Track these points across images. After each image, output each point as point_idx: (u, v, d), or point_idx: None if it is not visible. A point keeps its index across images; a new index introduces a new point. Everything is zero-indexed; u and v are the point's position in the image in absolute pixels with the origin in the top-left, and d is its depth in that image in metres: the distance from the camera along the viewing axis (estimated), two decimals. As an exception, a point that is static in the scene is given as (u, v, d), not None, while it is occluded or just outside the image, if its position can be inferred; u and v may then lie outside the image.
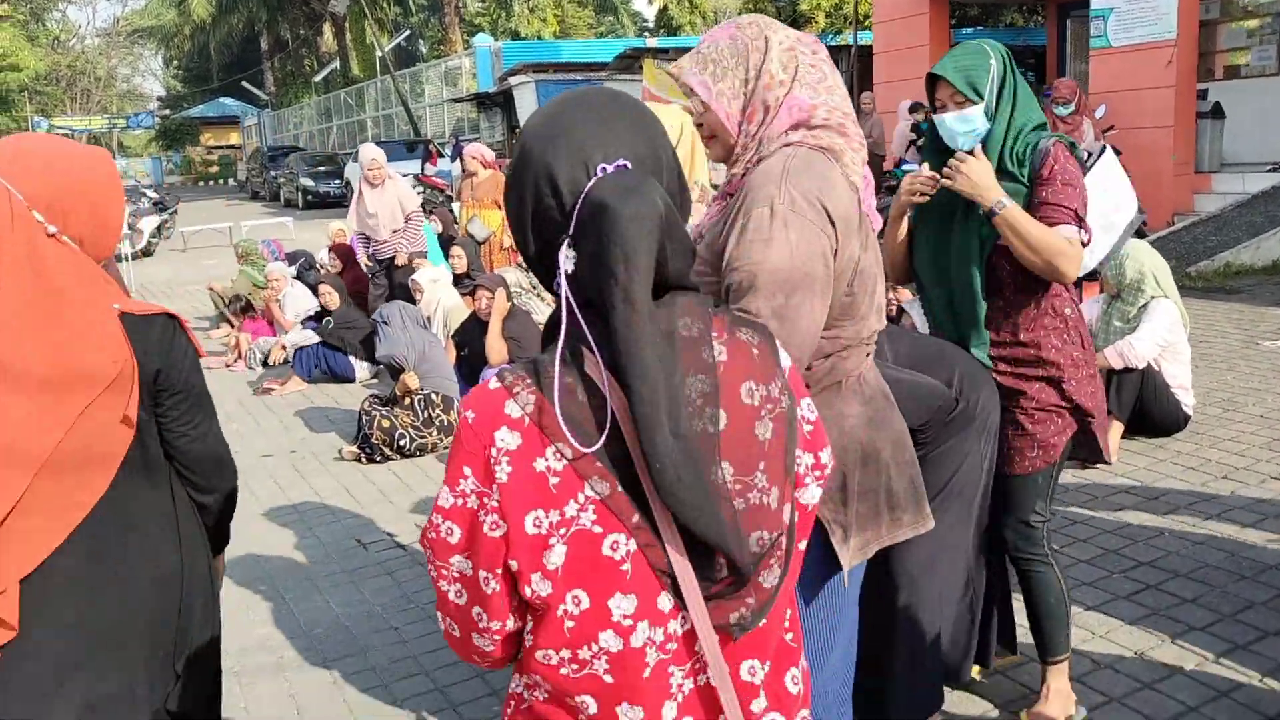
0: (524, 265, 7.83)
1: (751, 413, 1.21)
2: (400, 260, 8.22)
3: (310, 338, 7.96)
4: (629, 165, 1.19)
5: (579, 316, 1.15)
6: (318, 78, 40.03)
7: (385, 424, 5.86)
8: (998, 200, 2.51)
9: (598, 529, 1.14)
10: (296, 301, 9.07)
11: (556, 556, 1.14)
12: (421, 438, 5.93)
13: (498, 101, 23.40)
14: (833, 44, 20.25)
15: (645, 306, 1.11)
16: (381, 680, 3.55)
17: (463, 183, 8.59)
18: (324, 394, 7.70)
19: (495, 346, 6.25)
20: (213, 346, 9.52)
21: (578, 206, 1.16)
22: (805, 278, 1.82)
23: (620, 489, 1.14)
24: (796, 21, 24.79)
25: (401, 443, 5.86)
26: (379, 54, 31.03)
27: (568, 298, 1.15)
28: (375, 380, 7.94)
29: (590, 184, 1.16)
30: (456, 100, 26.74)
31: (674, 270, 1.17)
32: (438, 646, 3.74)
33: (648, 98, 18.20)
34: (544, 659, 1.20)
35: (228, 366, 8.79)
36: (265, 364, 8.71)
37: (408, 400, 6.01)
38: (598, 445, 1.13)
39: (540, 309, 7.07)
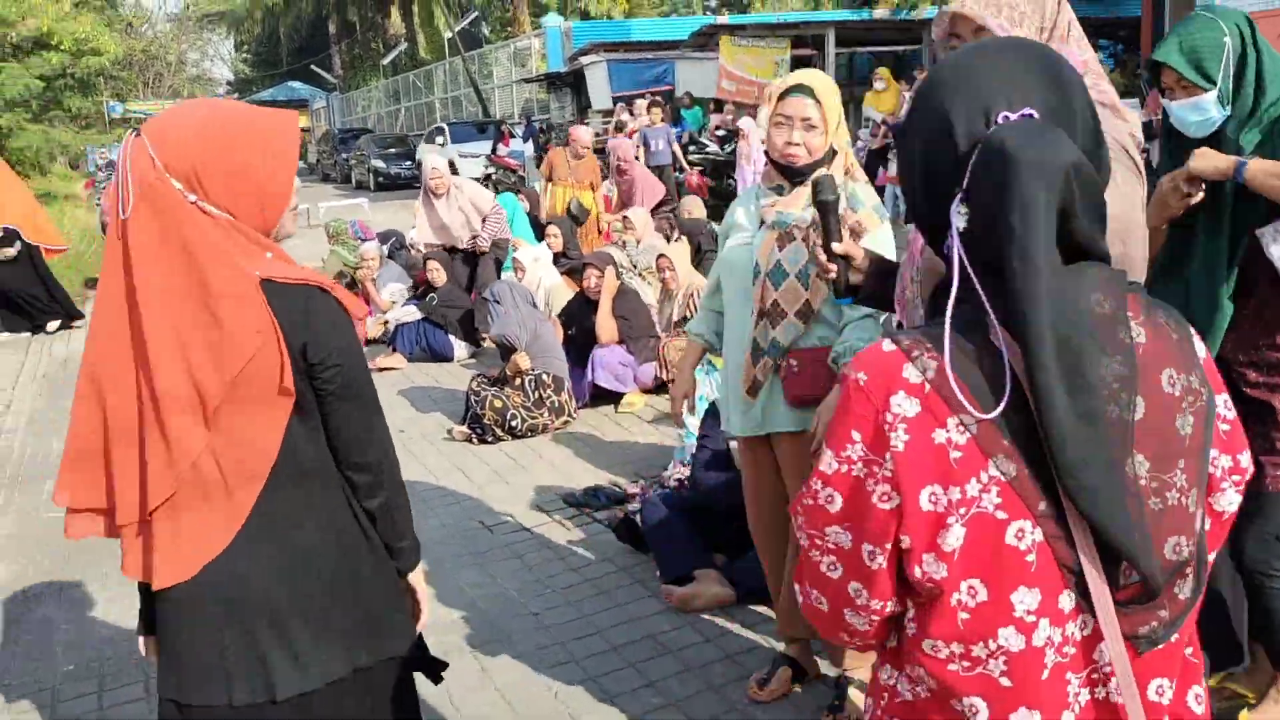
0: (623, 244, 7.74)
1: (1172, 403, 1.08)
2: (482, 248, 8.10)
3: (413, 314, 7.90)
4: (1034, 114, 1.09)
5: (973, 279, 1.05)
6: (385, 60, 40.24)
7: (498, 404, 5.77)
8: (1237, 162, 2.30)
9: (1001, 514, 1.04)
10: (388, 279, 9.05)
11: (954, 538, 1.05)
12: (533, 418, 5.82)
13: (568, 81, 23.28)
14: (909, 19, 19.77)
15: (1045, 265, 1.01)
16: (531, 668, 3.45)
17: (556, 162, 8.48)
18: (423, 373, 7.65)
19: (606, 325, 6.13)
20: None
21: (973, 157, 1.07)
22: (1134, 224, 1.75)
23: (1028, 471, 1.04)
24: (870, -2, 24.35)
25: (513, 423, 5.77)
26: (447, 36, 31.07)
27: (961, 258, 1.07)
28: (474, 360, 7.88)
29: (988, 132, 1.08)
30: (526, 80, 26.68)
31: (1083, 233, 1.05)
32: (584, 633, 3.63)
33: (725, 76, 18.00)
34: (931, 650, 1.10)
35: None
36: (365, 342, 8.70)
37: (518, 380, 5.91)
38: (996, 413, 1.04)
39: (643, 288, 6.93)
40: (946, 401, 1.05)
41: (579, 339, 6.34)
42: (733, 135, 15.35)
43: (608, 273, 6.15)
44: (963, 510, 1.04)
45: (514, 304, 5.97)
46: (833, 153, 2.78)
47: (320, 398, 1.73)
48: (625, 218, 7.73)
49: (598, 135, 19.21)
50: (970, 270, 1.06)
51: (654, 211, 10.21)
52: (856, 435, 1.09)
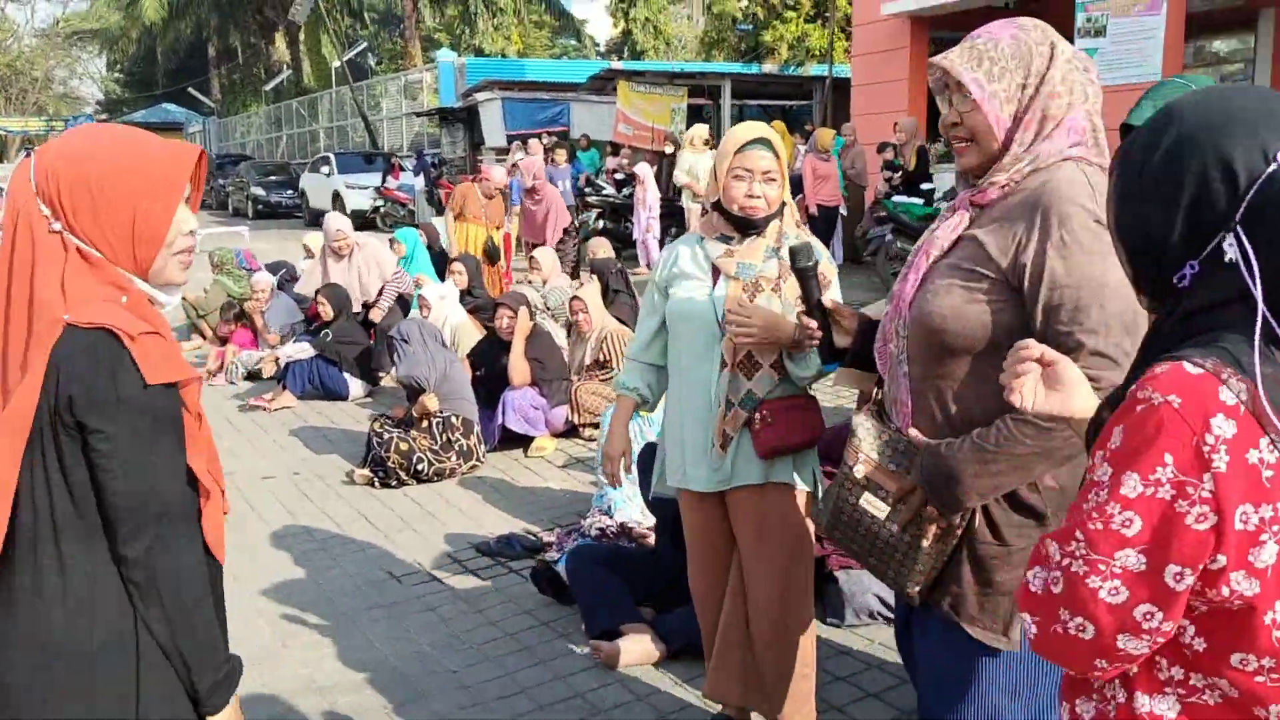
0: (537, 284, 7.58)
1: None
2: (375, 318, 7.80)
3: (306, 350, 7.57)
4: None
5: (1262, 304, 1.13)
6: (268, 86, 39.21)
7: (403, 447, 5.53)
8: None
9: None
10: (278, 314, 8.68)
11: (1268, 555, 1.10)
12: (440, 462, 5.61)
13: (461, 117, 23.10)
14: (798, 75, 20.34)
15: None
16: (455, 732, 3.25)
17: (469, 199, 8.32)
18: (317, 412, 7.33)
19: (518, 367, 5.97)
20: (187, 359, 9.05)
21: (1252, 192, 1.14)
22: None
23: None
24: (758, 52, 24.95)
25: (419, 467, 5.54)
26: (334, 65, 30.47)
27: (1259, 286, 1.13)
28: (369, 399, 7.59)
29: (1273, 169, 1.14)
30: (418, 114, 26.34)
31: None
32: (507, 692, 3.45)
33: (622, 120, 18.12)
34: (1240, 664, 1.15)
35: (207, 381, 8.35)
36: (248, 378, 8.29)
37: (425, 423, 5.69)
38: None
39: (555, 330, 6.81)
40: (1260, 421, 1.10)
41: (489, 380, 6.17)
42: (630, 179, 15.42)
43: (521, 313, 6.00)
44: (1276, 527, 1.10)
45: (423, 343, 5.77)
46: (782, 204, 2.75)
47: (89, 460, 1.49)
48: (532, 258, 7.61)
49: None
50: (1261, 298, 1.12)
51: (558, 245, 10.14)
52: (1169, 458, 1.10)
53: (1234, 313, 1.16)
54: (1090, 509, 1.15)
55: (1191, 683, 1.19)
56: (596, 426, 6.26)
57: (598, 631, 3.69)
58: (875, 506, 1.99)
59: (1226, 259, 1.15)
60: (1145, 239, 1.22)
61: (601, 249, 8.56)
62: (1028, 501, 1.88)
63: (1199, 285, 1.18)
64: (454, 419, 5.69)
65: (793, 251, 2.33)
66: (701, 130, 13.49)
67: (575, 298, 6.44)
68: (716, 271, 2.75)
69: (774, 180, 2.67)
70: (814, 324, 2.22)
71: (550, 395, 6.09)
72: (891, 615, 3.79)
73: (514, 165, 9.83)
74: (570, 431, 6.30)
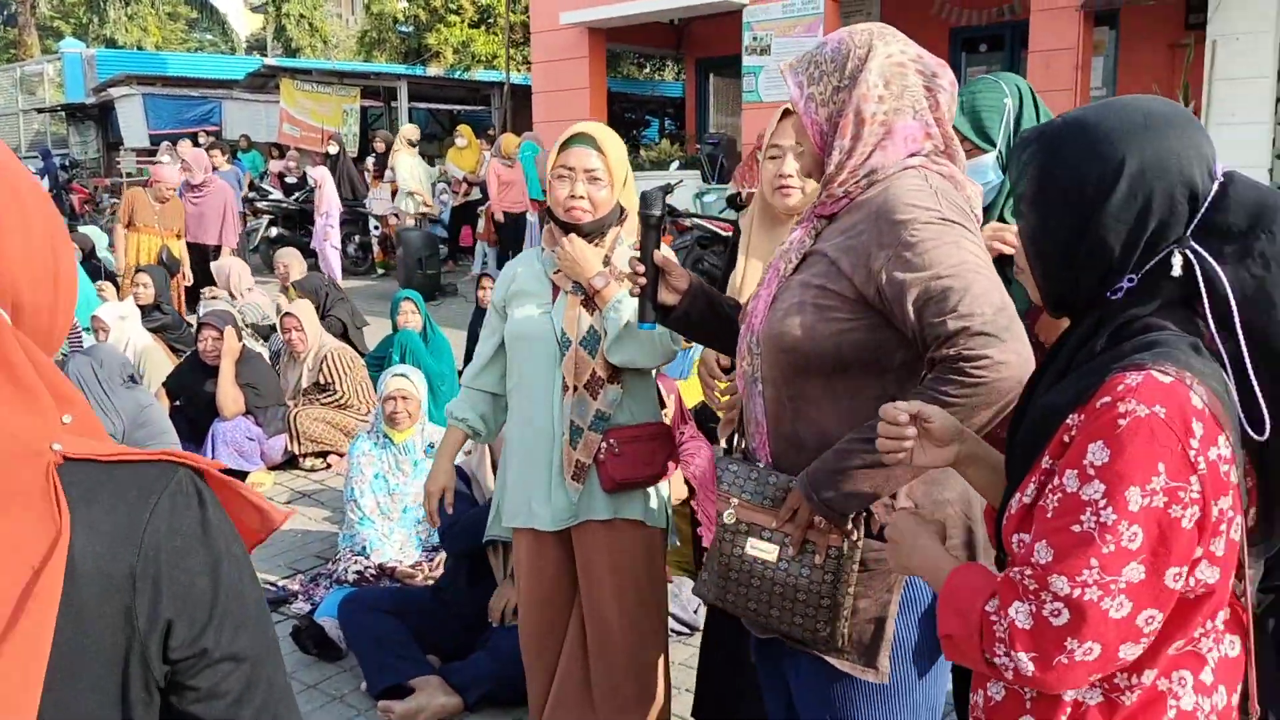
0: (224, 298, 6.84)
1: None
2: None
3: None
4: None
5: (1234, 311, 1.19)
6: None
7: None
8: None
9: (1233, 513, 1.19)
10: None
11: (1222, 543, 1.19)
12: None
13: (92, 114, 20.75)
14: (477, 80, 20.10)
15: None
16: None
17: (138, 206, 7.34)
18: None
19: (229, 395, 5.31)
20: None
21: (1204, 208, 1.22)
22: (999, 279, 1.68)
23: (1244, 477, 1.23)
24: (421, 54, 24.44)
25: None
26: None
27: (1225, 292, 1.19)
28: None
29: (1223, 184, 1.23)
30: (39, 110, 23.33)
31: None
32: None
33: (286, 120, 16.99)
34: (1174, 650, 1.24)
35: None
36: None
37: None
38: (1267, 435, 1.20)
39: (263, 350, 6.16)
40: (1218, 421, 1.16)
41: (191, 410, 5.45)
42: (301, 183, 14.48)
43: (228, 333, 5.35)
44: (1231, 515, 1.18)
45: (101, 389, 4.76)
46: (620, 211, 2.55)
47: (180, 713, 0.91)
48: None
49: (129, 176, 17.24)
50: (1232, 302, 1.19)
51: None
52: (1162, 467, 1.13)
53: (1164, 318, 1.23)
54: (1095, 531, 1.14)
55: (1117, 680, 1.24)
56: (320, 456, 5.73)
57: (383, 689, 3.30)
58: (763, 550, 1.85)
59: (1174, 272, 1.22)
60: (1094, 261, 1.25)
61: (296, 262, 7.90)
62: (884, 523, 1.81)
63: (1129, 295, 1.25)
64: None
65: (643, 196, 2.16)
66: (409, 131, 12.93)
67: (288, 314, 5.85)
68: (556, 288, 2.51)
69: (598, 180, 2.45)
70: (642, 270, 2.06)
71: (266, 424, 5.48)
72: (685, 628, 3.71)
73: (185, 164, 8.80)
74: (290, 463, 5.71)
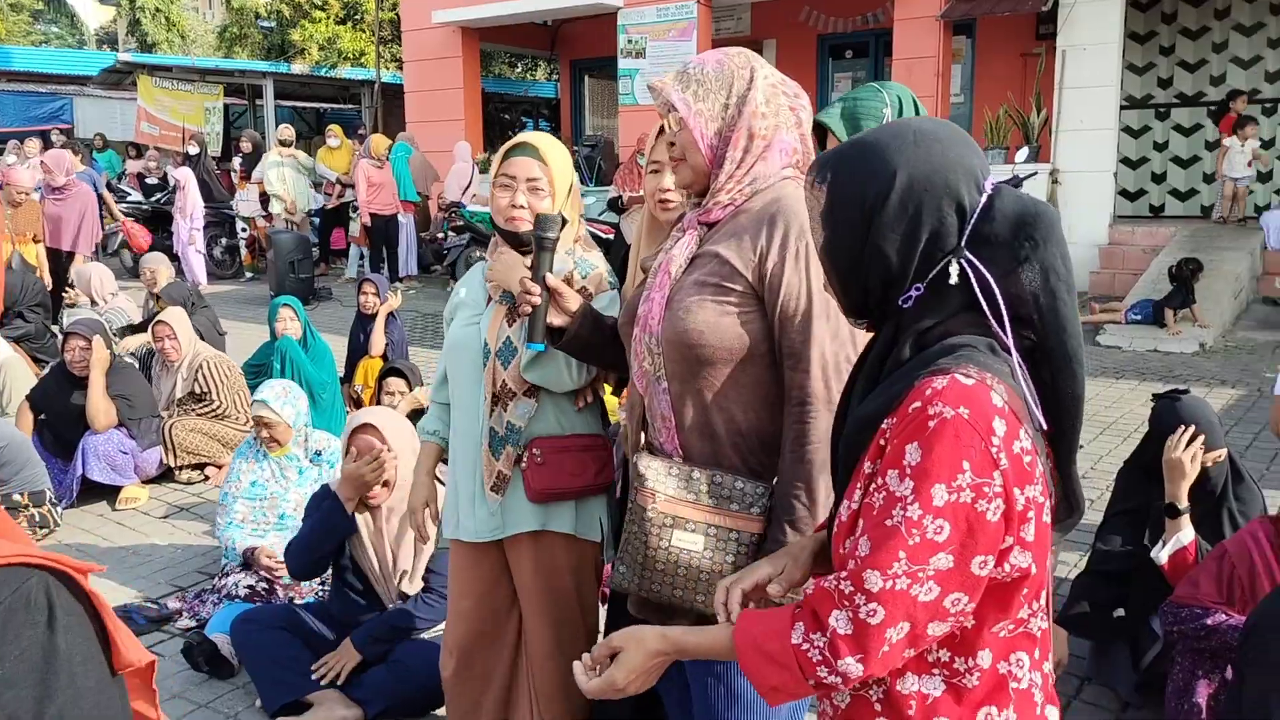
0: (83, 305, 6.55)
1: None
2: None
3: None
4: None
5: (1003, 313, 1.29)
6: None
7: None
8: None
9: (1043, 499, 1.27)
10: None
11: (1032, 529, 1.25)
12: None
13: (-74, 110, 19.42)
14: (346, 78, 19.66)
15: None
16: None
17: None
18: None
19: (101, 408, 5.09)
20: None
21: (974, 220, 1.31)
22: None
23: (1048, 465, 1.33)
24: (285, 51, 23.75)
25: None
26: None
27: (996, 295, 1.29)
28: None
29: (991, 197, 1.32)
30: None
31: None
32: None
33: (145, 119, 16.30)
34: (997, 630, 1.31)
35: None
36: None
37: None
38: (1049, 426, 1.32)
39: (130, 360, 5.91)
40: (1018, 416, 1.25)
41: (58, 425, 5.20)
42: (164, 184, 13.93)
43: (96, 343, 5.12)
44: (1040, 502, 1.26)
45: None
46: (563, 221, 2.57)
47: None
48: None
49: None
50: (1002, 306, 1.29)
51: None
52: (966, 465, 1.20)
53: (958, 323, 1.32)
54: (901, 525, 1.22)
55: (955, 665, 1.32)
56: (198, 468, 5.55)
57: (280, 706, 3.23)
58: (690, 541, 1.94)
59: (951, 280, 1.31)
60: (876, 269, 1.34)
61: (163, 267, 7.61)
62: None
63: (920, 304, 1.33)
64: (19, 496, 4.67)
65: (538, 219, 2.21)
66: (282, 131, 12.53)
67: (160, 322, 5.64)
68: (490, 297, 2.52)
69: (540, 191, 2.45)
70: (536, 290, 2.14)
71: (140, 436, 5.27)
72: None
73: (45, 165, 8.34)
74: (165, 476, 5.51)
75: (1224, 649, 2.67)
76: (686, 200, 2.46)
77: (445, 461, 2.67)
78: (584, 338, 2.20)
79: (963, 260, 1.30)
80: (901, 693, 1.33)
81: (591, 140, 14.14)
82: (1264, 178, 11.33)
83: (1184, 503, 2.99)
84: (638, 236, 2.75)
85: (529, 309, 2.17)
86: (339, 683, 3.27)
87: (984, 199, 1.32)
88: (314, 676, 3.28)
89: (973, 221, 1.31)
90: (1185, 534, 2.98)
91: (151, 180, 14.00)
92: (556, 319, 2.19)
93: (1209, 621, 2.70)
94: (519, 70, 23.17)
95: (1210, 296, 8.67)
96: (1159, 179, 12.39)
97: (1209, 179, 11.77)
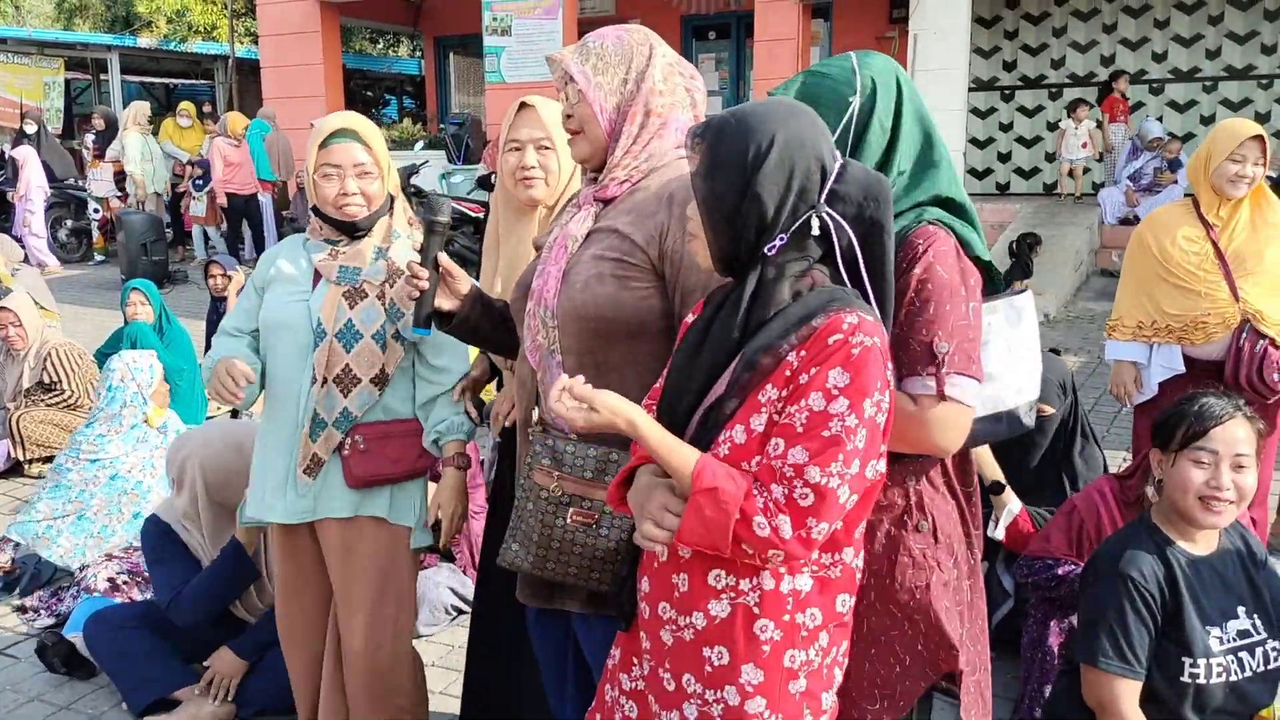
0: None
1: None
2: None
3: None
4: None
5: (860, 258, 1.55)
6: None
7: None
8: None
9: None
10: None
11: (885, 443, 1.52)
12: None
13: None
14: (197, 52, 18.83)
15: None
16: None
17: None
18: None
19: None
20: None
21: (831, 181, 1.55)
22: None
23: None
24: (130, 23, 22.59)
25: None
26: None
27: (853, 241, 1.55)
28: None
29: (842, 164, 1.57)
30: None
31: None
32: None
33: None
34: (848, 535, 1.57)
35: None
36: None
37: None
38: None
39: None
40: (882, 345, 1.49)
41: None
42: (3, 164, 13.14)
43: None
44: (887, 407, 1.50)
45: None
46: (391, 199, 2.56)
47: None
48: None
49: None
50: (858, 251, 1.54)
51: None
52: (878, 384, 1.45)
53: (817, 271, 1.55)
54: (842, 433, 1.43)
55: (823, 560, 1.56)
56: (47, 461, 5.31)
57: (144, 706, 3.15)
58: (586, 518, 1.95)
59: (814, 231, 1.53)
60: (753, 218, 1.53)
61: (3, 252, 7.23)
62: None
63: (782, 252, 1.54)
64: None
65: (428, 202, 2.19)
66: (142, 108, 11.91)
67: (2, 308, 5.36)
68: (318, 276, 2.48)
69: (369, 174, 2.44)
70: (424, 274, 2.12)
71: (-20, 431, 5.02)
72: (469, 607, 3.72)
73: None
74: (14, 469, 5.26)
75: (1073, 596, 2.87)
76: (562, 178, 2.49)
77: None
78: (473, 321, 2.20)
79: (824, 214, 1.53)
80: (781, 592, 1.53)
81: (458, 118, 13.98)
82: (1100, 157, 12.02)
83: (1000, 476, 3.16)
84: (493, 216, 2.75)
85: (416, 294, 2.14)
86: (230, 697, 3.17)
87: (837, 165, 1.56)
88: (198, 691, 3.17)
89: (830, 182, 1.54)
90: (1013, 504, 3.17)
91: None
92: (447, 303, 2.17)
93: (1059, 571, 2.87)
94: (380, 46, 22.63)
95: (1052, 269, 9.17)
96: (1004, 158, 12.99)
97: (1050, 158, 12.41)
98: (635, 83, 1.95)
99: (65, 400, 5.38)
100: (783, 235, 1.53)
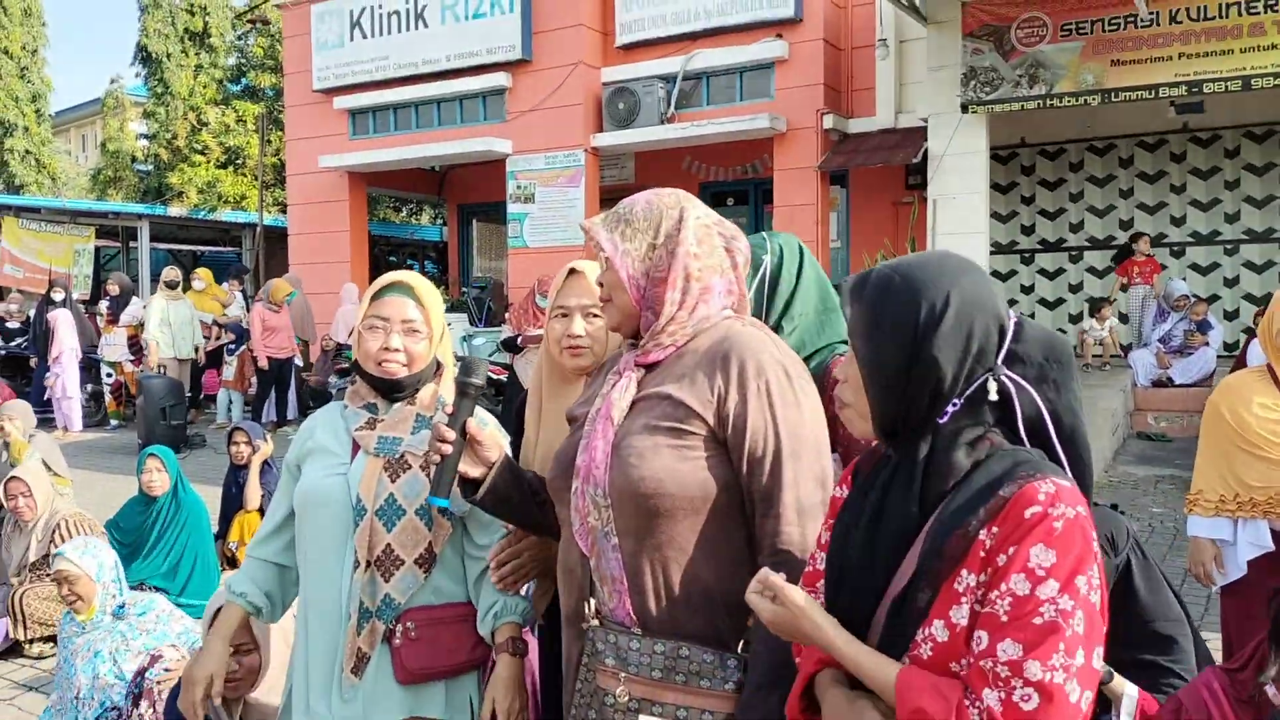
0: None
1: None
2: None
3: None
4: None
5: (1051, 429, 1.39)
6: None
7: None
8: None
9: None
10: None
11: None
12: None
13: None
14: (226, 220, 19.32)
15: None
16: None
17: None
18: None
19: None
20: None
21: (1009, 340, 1.41)
22: (826, 444, 1.80)
23: None
24: (162, 193, 23.31)
25: None
26: None
27: (1039, 408, 1.40)
28: None
29: (1018, 323, 1.44)
30: None
31: None
32: None
33: (8, 261, 15.61)
34: None
35: None
36: None
37: None
38: None
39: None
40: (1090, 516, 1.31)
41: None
42: (26, 328, 13.24)
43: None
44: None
45: None
46: (438, 366, 2.38)
47: None
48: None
49: None
50: (1048, 420, 1.39)
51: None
52: (1089, 559, 1.26)
53: (995, 435, 1.40)
54: (1057, 618, 1.23)
55: None
56: (50, 640, 5.01)
57: None
58: None
59: (991, 396, 1.39)
60: (927, 384, 1.39)
61: (20, 414, 7.09)
62: None
63: (955, 419, 1.39)
64: None
65: (464, 363, 2.03)
66: (171, 273, 12.04)
67: (13, 478, 5.17)
68: (357, 446, 2.28)
69: (417, 333, 2.26)
70: (450, 437, 1.93)
71: (-23, 608, 4.73)
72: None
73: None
74: (13, 650, 4.96)
75: None
76: (608, 345, 2.33)
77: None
78: (501, 491, 2.01)
79: (1003, 377, 1.39)
80: None
81: (481, 281, 14.13)
82: (1123, 318, 11.96)
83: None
84: (536, 384, 2.59)
85: (437, 458, 1.94)
86: None
87: (1013, 323, 1.42)
88: None
89: (1008, 343, 1.40)
90: (1129, 690, 2.87)
91: (12, 324, 13.29)
92: (474, 469, 1.99)
93: None
94: (403, 214, 23.23)
95: (1091, 433, 8.95)
96: (1029, 320, 12.96)
97: (1074, 319, 12.36)
98: (665, 248, 1.85)
99: (72, 574, 5.11)
100: (956, 401, 1.39)
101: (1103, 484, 8.56)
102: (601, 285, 1.91)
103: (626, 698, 1.72)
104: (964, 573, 1.29)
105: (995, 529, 1.28)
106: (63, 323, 11.81)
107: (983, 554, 1.28)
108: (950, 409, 1.38)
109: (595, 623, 1.80)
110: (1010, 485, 1.29)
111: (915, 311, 1.38)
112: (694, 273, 1.85)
